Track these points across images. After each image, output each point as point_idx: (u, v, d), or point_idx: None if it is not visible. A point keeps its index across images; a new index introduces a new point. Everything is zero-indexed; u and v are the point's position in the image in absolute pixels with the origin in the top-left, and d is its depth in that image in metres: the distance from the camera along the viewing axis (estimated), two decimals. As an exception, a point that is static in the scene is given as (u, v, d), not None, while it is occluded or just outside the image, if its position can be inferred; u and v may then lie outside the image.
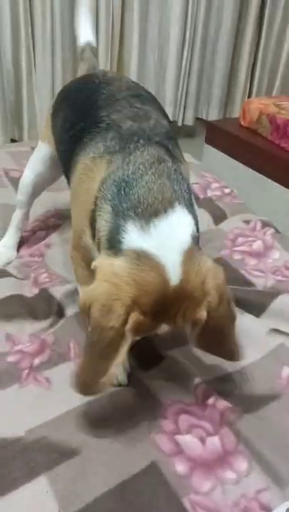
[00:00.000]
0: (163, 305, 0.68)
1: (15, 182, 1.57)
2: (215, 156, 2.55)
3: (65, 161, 0.97)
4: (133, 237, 0.70)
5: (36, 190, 1.25)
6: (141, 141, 0.80)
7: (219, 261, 1.20)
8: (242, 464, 0.75)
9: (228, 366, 0.90)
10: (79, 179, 0.85)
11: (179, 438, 0.78)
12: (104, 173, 0.79)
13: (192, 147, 2.37)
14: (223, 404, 0.82)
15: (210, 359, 0.92)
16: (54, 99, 1.14)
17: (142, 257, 0.68)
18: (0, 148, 1.96)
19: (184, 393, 0.85)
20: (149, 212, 0.71)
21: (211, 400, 0.83)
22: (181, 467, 0.74)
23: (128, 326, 0.67)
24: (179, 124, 3.02)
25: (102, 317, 0.67)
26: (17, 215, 1.28)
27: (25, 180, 1.24)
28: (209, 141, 2.63)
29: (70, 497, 0.70)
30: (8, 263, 1.23)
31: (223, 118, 3.14)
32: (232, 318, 0.78)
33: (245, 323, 1.01)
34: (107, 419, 0.80)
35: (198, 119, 3.11)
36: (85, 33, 1.21)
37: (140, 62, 2.72)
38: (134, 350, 0.78)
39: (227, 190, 1.56)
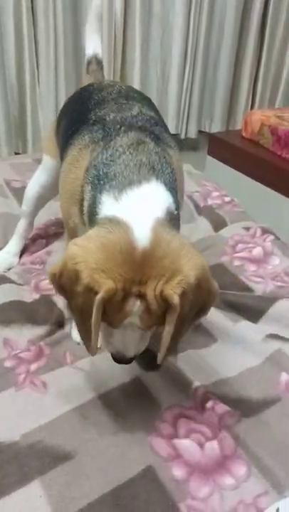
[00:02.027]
0: (131, 273, 0.65)
1: (16, 192, 1.58)
2: (218, 167, 2.56)
3: (61, 151, 0.99)
4: (106, 206, 0.72)
5: (40, 201, 1.27)
6: (122, 128, 0.81)
7: (219, 267, 1.20)
8: (241, 468, 0.73)
9: (227, 371, 0.89)
10: (67, 169, 0.87)
11: (177, 442, 0.76)
12: (87, 162, 0.80)
13: (195, 160, 2.38)
14: (221, 408, 0.81)
15: (209, 363, 0.91)
16: (60, 110, 1.17)
17: (111, 222, 0.69)
18: (3, 160, 1.98)
19: (183, 397, 0.84)
20: (123, 184, 0.72)
21: (209, 404, 0.81)
22: (178, 472, 0.72)
23: (98, 296, 0.64)
24: (182, 137, 3.04)
25: (72, 282, 0.67)
26: (21, 224, 1.29)
27: (30, 192, 1.26)
28: (212, 153, 2.64)
29: (64, 502, 0.68)
30: (9, 268, 1.23)
31: (225, 130, 3.16)
32: (203, 312, 0.73)
33: (242, 329, 1.00)
34: (104, 422, 0.79)
35: (200, 132, 3.13)
36: (91, 45, 1.22)
37: (142, 76, 2.76)
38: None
39: (227, 199, 1.56)
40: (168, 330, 0.67)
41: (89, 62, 1.24)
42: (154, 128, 0.85)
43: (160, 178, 0.74)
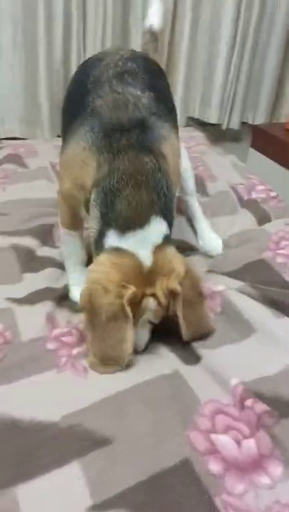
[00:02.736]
0: (142, 281, 0.86)
1: (61, 175, 1.60)
2: (260, 160, 2.52)
3: (62, 127, 1.12)
4: (112, 240, 0.89)
5: None
6: (123, 140, 0.91)
7: (261, 263, 1.19)
8: (277, 469, 0.73)
9: (267, 368, 0.88)
10: (71, 162, 0.98)
11: (215, 437, 0.76)
12: (95, 174, 0.92)
13: (237, 151, 2.34)
14: (261, 407, 0.80)
15: (249, 359, 0.90)
16: None
17: (118, 251, 0.88)
18: (47, 142, 1.99)
19: (222, 393, 0.84)
20: (127, 225, 0.88)
21: (249, 402, 0.81)
22: (214, 466, 0.73)
23: (125, 299, 0.84)
24: (224, 127, 2.99)
25: (101, 298, 0.85)
26: None
27: None
28: (255, 145, 2.60)
29: (101, 485, 0.70)
30: None
31: (269, 122, 3.09)
32: (200, 295, 0.96)
33: (284, 325, 0.99)
34: (142, 411, 0.80)
35: (243, 124, 3.07)
36: (149, 17, 1.27)
37: (189, 63, 2.71)
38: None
39: (272, 194, 1.54)
40: (179, 312, 0.90)
41: (144, 33, 1.26)
42: (148, 126, 0.94)
43: (158, 213, 0.90)
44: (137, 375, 0.87)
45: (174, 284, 0.88)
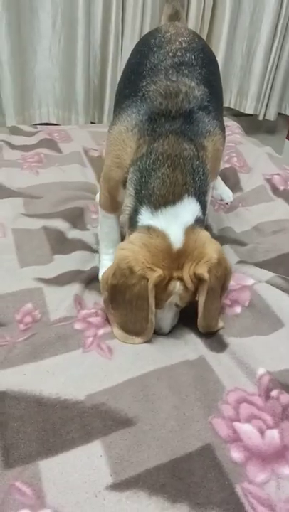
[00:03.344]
0: (170, 263, 0.86)
1: (94, 161, 1.61)
2: (295, 153, 2.46)
3: (115, 102, 1.16)
4: (145, 217, 0.89)
5: None
6: (166, 125, 0.92)
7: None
8: (301, 461, 0.72)
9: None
10: (113, 140, 1.00)
11: (238, 425, 0.76)
12: (133, 155, 0.94)
13: (273, 143, 2.30)
14: (286, 398, 0.79)
15: (276, 350, 0.89)
16: None
17: (151, 230, 0.87)
18: (81, 127, 2.00)
19: (248, 382, 0.83)
20: (160, 202, 0.88)
21: (274, 393, 0.80)
22: (236, 454, 0.72)
23: (150, 281, 0.84)
24: (260, 118, 2.94)
25: (126, 277, 0.86)
26: None
27: None
28: (291, 137, 2.54)
29: (122, 464, 0.70)
30: None
31: (307, 115, 3.02)
32: (224, 287, 0.95)
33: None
34: (166, 395, 0.80)
35: (280, 115, 3.01)
36: None
37: (228, 51, 2.67)
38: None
39: (309, 186, 1.50)
40: (202, 299, 0.89)
41: (169, 2, 1.25)
42: (194, 118, 0.95)
43: (191, 193, 0.90)
44: (162, 358, 0.87)
45: (203, 270, 0.87)
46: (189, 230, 0.87)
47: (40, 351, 0.88)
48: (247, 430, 0.75)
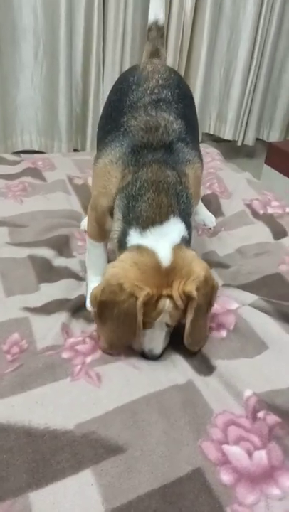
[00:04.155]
0: (160, 281, 0.88)
1: (78, 189, 1.63)
2: (274, 177, 2.53)
3: (97, 137, 1.21)
4: (134, 238, 0.92)
5: None
6: (149, 156, 0.97)
7: (276, 276, 1.20)
8: (288, 480, 0.73)
9: (280, 381, 0.89)
10: (99, 172, 1.04)
11: (227, 448, 0.77)
12: (118, 184, 0.99)
13: (251, 168, 2.37)
14: (273, 419, 0.81)
15: (262, 372, 0.91)
16: None
17: (140, 249, 0.90)
18: (64, 156, 2.04)
19: (235, 404, 0.85)
20: (147, 223, 0.92)
21: (261, 414, 0.82)
22: (226, 477, 0.73)
23: (139, 299, 0.86)
24: (239, 144, 3.02)
25: (115, 294, 0.87)
26: None
27: None
28: (269, 162, 2.62)
29: (113, 492, 0.71)
30: None
31: (284, 140, 3.12)
32: (211, 304, 0.97)
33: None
34: (156, 420, 0.81)
35: (258, 140, 3.10)
36: (153, 11, 1.30)
37: (206, 78, 2.76)
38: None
39: (288, 209, 1.55)
40: (190, 317, 0.90)
41: (149, 29, 1.32)
42: (174, 149, 1.00)
43: (176, 214, 0.93)
44: (151, 384, 0.88)
45: (191, 288, 0.88)
46: (177, 249, 0.90)
47: (28, 381, 0.88)
48: (235, 452, 0.77)
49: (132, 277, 0.87)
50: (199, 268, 0.91)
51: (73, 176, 1.70)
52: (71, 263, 1.26)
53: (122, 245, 0.95)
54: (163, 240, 0.90)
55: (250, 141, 3.03)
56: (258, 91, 2.91)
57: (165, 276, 0.88)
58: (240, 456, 0.76)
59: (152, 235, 0.91)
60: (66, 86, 2.44)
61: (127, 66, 2.56)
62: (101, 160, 1.04)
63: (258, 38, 2.74)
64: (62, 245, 1.33)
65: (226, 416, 0.83)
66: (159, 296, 0.88)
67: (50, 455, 0.75)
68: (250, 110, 2.96)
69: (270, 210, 1.54)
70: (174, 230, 0.92)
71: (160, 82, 1.11)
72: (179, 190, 0.96)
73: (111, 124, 1.08)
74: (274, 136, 3.11)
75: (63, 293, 1.14)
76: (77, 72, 2.52)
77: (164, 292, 0.88)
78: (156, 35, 1.32)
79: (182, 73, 2.72)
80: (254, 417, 0.82)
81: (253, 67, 2.82)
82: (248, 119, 2.97)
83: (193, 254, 0.93)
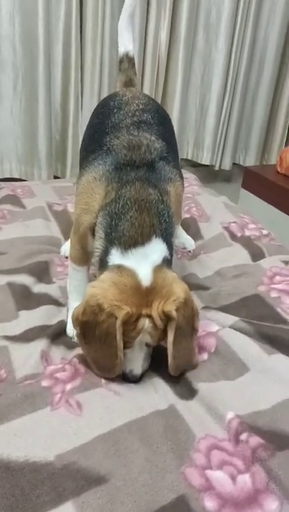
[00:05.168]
0: (139, 301, 0.88)
1: (58, 216, 1.64)
2: (251, 200, 2.58)
3: (80, 157, 1.21)
4: (115, 257, 0.92)
5: None
6: (132, 173, 0.98)
7: (256, 297, 1.21)
8: (273, 503, 0.72)
9: (261, 403, 0.88)
10: (82, 189, 1.05)
11: (210, 473, 0.76)
12: (101, 201, 0.99)
13: (228, 192, 2.41)
14: (255, 440, 0.80)
15: (243, 394, 0.91)
16: None
17: (120, 269, 0.90)
18: (44, 183, 2.05)
19: (218, 427, 0.84)
20: (129, 243, 0.92)
21: (243, 436, 0.81)
22: (209, 503, 0.72)
23: (118, 319, 0.85)
24: (216, 168, 3.08)
25: (95, 314, 0.88)
26: None
27: None
28: (246, 186, 2.67)
29: (96, 525, 0.69)
30: None
31: (260, 164, 3.19)
32: (194, 328, 0.96)
33: (277, 361, 1.00)
34: (138, 448, 0.80)
35: (235, 165, 3.17)
36: (123, 43, 1.33)
37: (182, 107, 2.83)
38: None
39: (265, 232, 1.57)
40: (170, 338, 0.89)
41: (121, 61, 1.35)
42: (156, 167, 1.02)
43: (158, 235, 0.94)
44: (132, 410, 0.87)
45: (171, 308, 0.88)
46: (157, 269, 0.91)
47: (6, 413, 0.85)
48: (219, 477, 0.75)
49: (111, 297, 0.87)
50: (179, 289, 0.91)
51: (53, 203, 1.71)
52: (51, 289, 1.25)
53: (103, 264, 0.95)
54: (144, 261, 0.91)
55: (227, 165, 3.09)
56: (232, 120, 3.00)
57: (145, 296, 0.88)
58: (224, 480, 0.75)
59: (134, 256, 0.91)
60: (45, 115, 2.47)
61: (105, 95, 2.61)
62: (84, 177, 1.05)
63: (230, 72, 2.84)
64: (42, 271, 1.32)
65: (209, 440, 0.82)
66: (139, 316, 0.88)
67: (29, 489, 0.73)
68: (225, 137, 3.03)
69: (247, 233, 1.56)
70: (155, 251, 0.93)
71: (140, 106, 1.13)
72: (160, 209, 0.97)
73: (93, 144, 1.09)
74: (250, 160, 3.18)
75: (43, 319, 1.13)
76: (57, 102, 2.56)
77: (144, 312, 0.88)
78: (128, 66, 1.35)
79: (159, 103, 2.79)
80: (237, 440, 0.81)
81: (226, 98, 2.91)
82: (224, 145, 3.05)
83: (174, 275, 0.94)
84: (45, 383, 0.93)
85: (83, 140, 1.22)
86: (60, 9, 2.38)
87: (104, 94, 2.60)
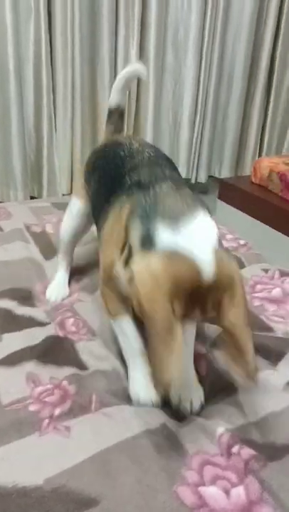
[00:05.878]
0: (197, 298, 0.75)
1: (36, 237, 1.62)
2: (228, 211, 2.61)
3: (97, 213, 1.09)
4: (165, 236, 0.77)
5: (75, 244, 1.36)
6: (158, 179, 0.91)
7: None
8: (267, 515, 0.72)
9: (253, 416, 0.89)
10: (111, 228, 0.94)
11: (203, 490, 0.75)
12: (129, 208, 0.87)
13: (206, 202, 2.44)
14: (247, 452, 0.80)
15: (232, 407, 0.91)
16: (88, 158, 1.27)
17: (176, 255, 0.75)
18: (21, 204, 2.03)
19: (209, 443, 0.83)
20: (176, 215, 0.78)
21: (235, 449, 0.81)
22: (204, 521, 0.71)
23: (177, 316, 0.74)
24: (193, 181, 3.12)
25: (151, 311, 0.74)
26: (62, 260, 1.37)
27: (66, 237, 1.34)
28: (222, 197, 2.71)
29: None
30: (63, 299, 1.29)
31: (235, 176, 3.24)
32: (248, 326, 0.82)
33: (264, 372, 1.00)
34: (128, 468, 0.78)
35: (210, 177, 3.21)
36: (117, 98, 1.32)
37: (155, 124, 2.87)
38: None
39: (242, 242, 1.59)
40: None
41: (112, 112, 1.33)
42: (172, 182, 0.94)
43: (206, 212, 0.82)
44: (122, 431, 0.86)
45: (231, 313, 0.78)
46: (219, 256, 0.76)
47: (-7, 439, 0.84)
48: (212, 493, 0.75)
49: (167, 291, 0.74)
50: (240, 286, 0.80)
51: (30, 224, 1.70)
52: (34, 311, 1.24)
53: (145, 244, 0.78)
54: (202, 242, 0.76)
55: (202, 178, 3.14)
56: (205, 134, 3.05)
57: (205, 295, 0.76)
58: (218, 496, 0.75)
59: (187, 231, 0.76)
60: (19, 135, 2.47)
61: (78, 115, 2.64)
62: (111, 217, 0.95)
63: (201, 87, 2.90)
64: (24, 294, 1.30)
65: (201, 457, 0.81)
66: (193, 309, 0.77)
67: (19, 516, 0.71)
68: (200, 151, 3.08)
69: (225, 244, 1.57)
70: (208, 225, 0.79)
71: (152, 154, 1.10)
72: (194, 198, 0.88)
73: (113, 188, 1.01)
74: (225, 172, 3.23)
75: (28, 341, 1.11)
76: (30, 122, 2.56)
77: (199, 309, 0.78)
78: (118, 118, 1.33)
79: (132, 120, 2.82)
80: (229, 453, 0.81)
81: (198, 113, 2.97)
82: (198, 159, 3.09)
83: (235, 268, 0.81)
84: (32, 407, 0.91)
85: (94, 194, 1.15)
86: (30, 31, 2.40)
87: (78, 112, 2.63)
